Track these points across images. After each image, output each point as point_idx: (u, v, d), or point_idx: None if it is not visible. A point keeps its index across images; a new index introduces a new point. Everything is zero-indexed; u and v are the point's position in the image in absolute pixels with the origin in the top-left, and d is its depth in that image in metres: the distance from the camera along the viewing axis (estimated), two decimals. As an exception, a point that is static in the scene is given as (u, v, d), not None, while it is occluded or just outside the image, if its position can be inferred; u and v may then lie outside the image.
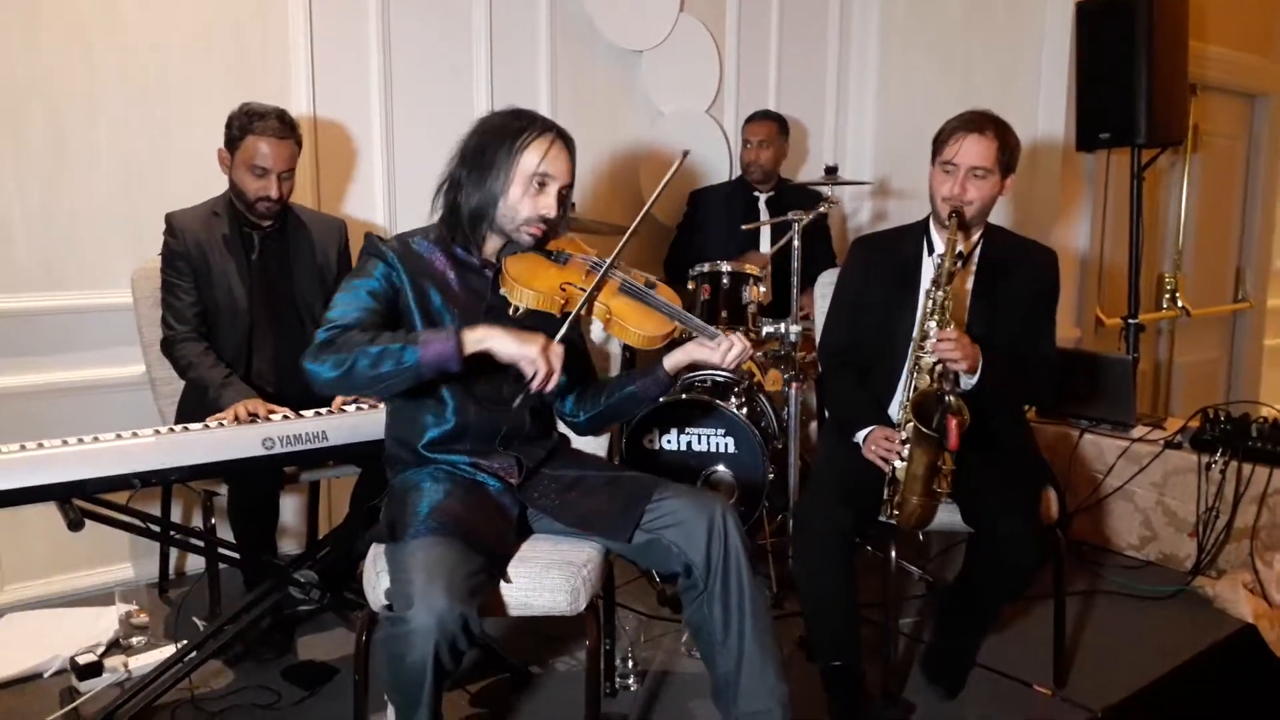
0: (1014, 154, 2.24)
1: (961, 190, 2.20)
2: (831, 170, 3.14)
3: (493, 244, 1.93)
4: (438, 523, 1.72)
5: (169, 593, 2.88)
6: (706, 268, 3.14)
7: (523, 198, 1.85)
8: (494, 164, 1.84)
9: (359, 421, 2.18)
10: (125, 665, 2.35)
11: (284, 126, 2.48)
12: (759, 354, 3.02)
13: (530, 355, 1.72)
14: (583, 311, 1.84)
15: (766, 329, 3.06)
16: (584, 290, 1.86)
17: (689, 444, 2.97)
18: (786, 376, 2.95)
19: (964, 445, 2.19)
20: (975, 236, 2.32)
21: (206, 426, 2.10)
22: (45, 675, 2.37)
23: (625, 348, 3.24)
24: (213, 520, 2.50)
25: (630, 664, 2.38)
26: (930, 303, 2.15)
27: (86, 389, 2.79)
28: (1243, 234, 5.21)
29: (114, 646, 2.49)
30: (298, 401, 2.27)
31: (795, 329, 2.94)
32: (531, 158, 1.84)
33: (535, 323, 1.90)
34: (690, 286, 3.19)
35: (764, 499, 2.93)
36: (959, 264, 2.27)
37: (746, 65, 4.20)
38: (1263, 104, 5.08)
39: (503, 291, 1.87)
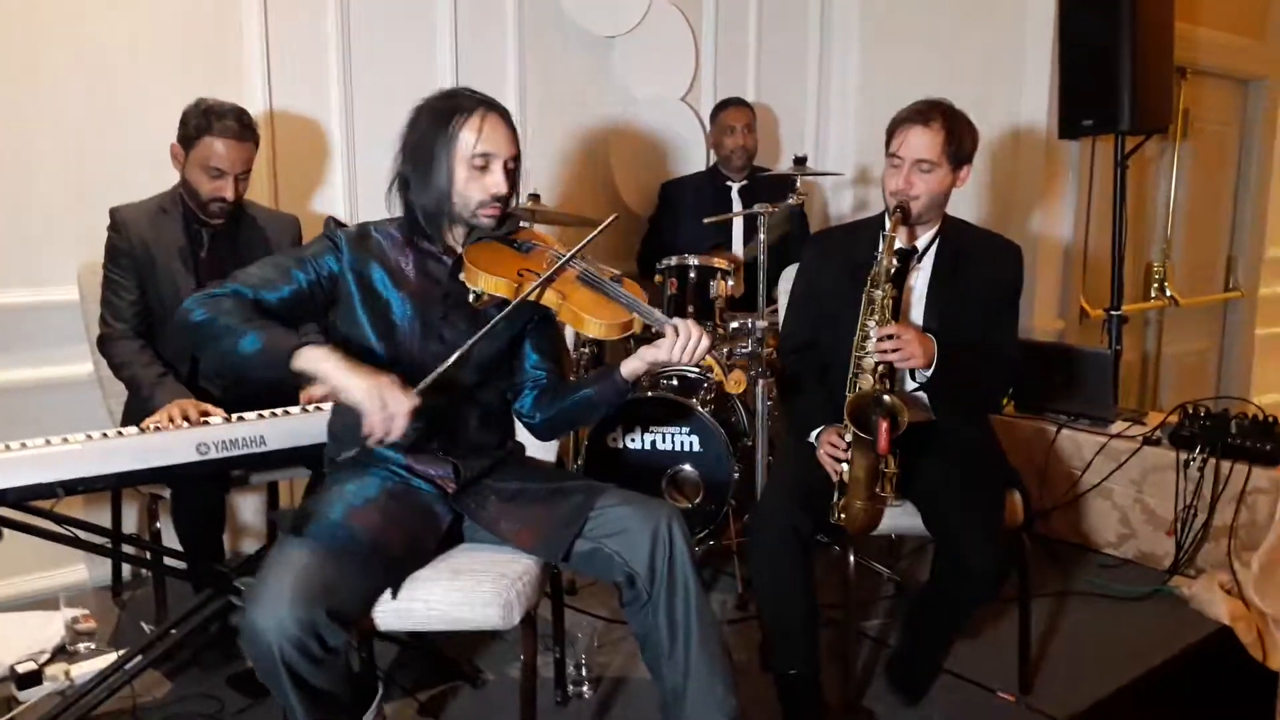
0: (965, 144, 2.16)
1: (907, 184, 2.12)
2: (800, 160, 3.05)
3: (456, 233, 1.87)
4: (346, 534, 1.68)
5: (122, 595, 2.83)
6: (674, 261, 3.07)
7: (469, 182, 1.78)
8: (433, 155, 1.78)
9: (297, 425, 2.11)
10: (67, 674, 2.28)
11: (243, 128, 2.41)
12: (724, 351, 2.95)
13: (359, 392, 1.62)
14: (534, 295, 1.78)
15: (733, 324, 3.00)
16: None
17: (653, 443, 2.90)
18: (753, 374, 2.88)
19: (924, 449, 2.14)
20: (932, 231, 2.25)
21: (141, 431, 2.04)
22: (-13, 683, 2.32)
23: (586, 352, 3.15)
24: (158, 524, 2.44)
25: (584, 671, 2.32)
26: (870, 302, 2.08)
27: (34, 389, 2.72)
28: (1234, 221, 5.11)
29: (59, 653, 2.44)
30: (244, 406, 2.20)
31: (761, 324, 2.87)
32: (467, 138, 1.77)
33: (495, 309, 1.83)
34: (657, 280, 3.12)
35: (730, 498, 2.87)
36: (917, 260, 2.21)
37: (724, 51, 4.11)
38: (1256, 88, 4.98)
39: (461, 278, 1.81)
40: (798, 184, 3.05)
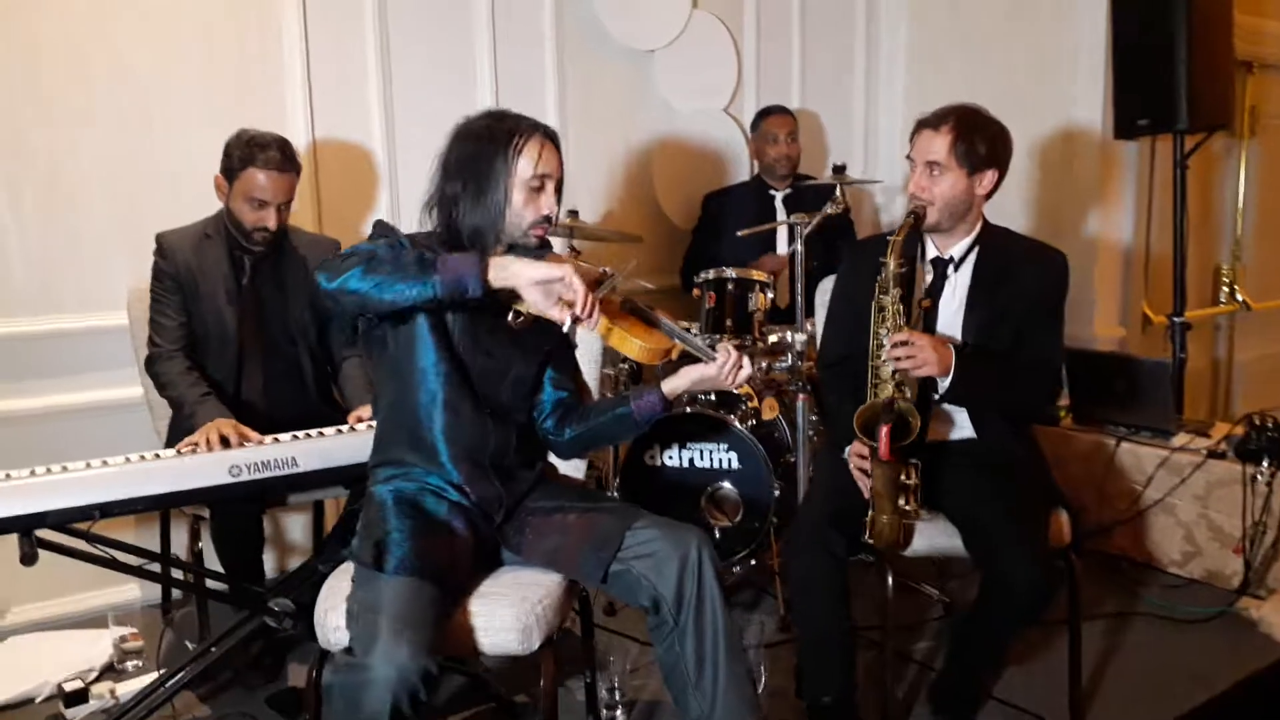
0: (979, 148, 2.08)
1: (918, 187, 2.09)
2: (840, 169, 2.99)
3: (495, 253, 1.86)
4: (419, 563, 1.67)
5: (172, 614, 2.88)
6: (711, 274, 3.02)
7: (525, 205, 1.80)
8: (489, 176, 1.79)
9: (329, 446, 2.13)
10: (112, 692, 2.35)
11: (285, 159, 2.43)
12: (762, 365, 2.91)
13: (559, 274, 1.64)
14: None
15: (772, 338, 2.95)
16: None
17: (691, 460, 2.86)
18: (793, 387, 2.82)
19: (963, 465, 2.08)
20: (968, 240, 2.18)
21: (178, 454, 2.08)
22: (37, 700, 2.38)
23: (625, 367, 3.13)
24: (200, 545, 2.48)
25: (618, 694, 2.29)
26: (880, 309, 2.03)
27: (85, 412, 2.80)
28: (1309, 221, 4.87)
29: (108, 671, 2.50)
30: (288, 428, 2.22)
31: (801, 337, 2.82)
32: (527, 164, 1.79)
33: (537, 332, 1.84)
34: (695, 294, 3.08)
35: (771, 516, 2.81)
36: (954, 269, 2.14)
37: (766, 61, 4.06)
38: (1329, 81, 4.74)
39: (501, 295, 1.77)
40: (836, 192, 2.98)
